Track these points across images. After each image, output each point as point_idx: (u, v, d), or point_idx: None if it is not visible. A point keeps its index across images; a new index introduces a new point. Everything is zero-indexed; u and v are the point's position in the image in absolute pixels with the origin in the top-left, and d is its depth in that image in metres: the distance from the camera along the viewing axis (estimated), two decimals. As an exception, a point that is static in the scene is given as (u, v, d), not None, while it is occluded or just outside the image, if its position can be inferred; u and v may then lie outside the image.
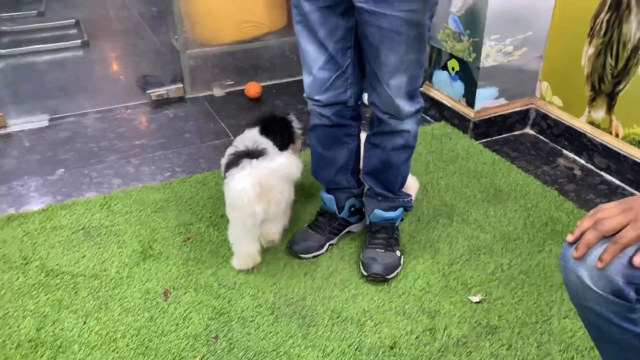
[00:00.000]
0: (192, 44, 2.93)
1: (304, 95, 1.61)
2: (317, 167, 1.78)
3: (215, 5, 2.88)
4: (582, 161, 2.31)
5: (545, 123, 2.48)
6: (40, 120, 2.70)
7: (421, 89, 1.78)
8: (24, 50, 3.63)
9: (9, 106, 2.83)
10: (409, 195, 1.77)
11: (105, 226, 1.93)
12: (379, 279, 1.64)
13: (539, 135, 2.53)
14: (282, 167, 1.58)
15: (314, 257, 1.77)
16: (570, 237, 0.88)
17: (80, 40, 3.80)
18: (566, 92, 2.37)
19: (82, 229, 1.91)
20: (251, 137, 1.76)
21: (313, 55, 1.49)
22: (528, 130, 2.57)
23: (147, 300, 1.62)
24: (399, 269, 1.69)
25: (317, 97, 1.57)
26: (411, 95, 1.48)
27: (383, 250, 1.68)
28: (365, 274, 1.66)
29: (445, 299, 1.61)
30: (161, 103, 2.90)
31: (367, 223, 1.77)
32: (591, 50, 2.18)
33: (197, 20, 2.94)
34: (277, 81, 3.17)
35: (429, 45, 1.45)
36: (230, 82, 3.06)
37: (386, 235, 1.72)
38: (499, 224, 1.93)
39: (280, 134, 1.82)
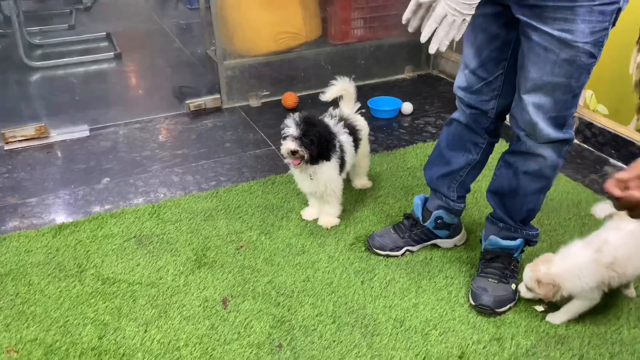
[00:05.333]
0: (229, 55, 2.95)
1: (454, 87, 1.59)
2: (431, 161, 1.74)
3: (253, 17, 2.90)
4: (631, 170, 2.28)
5: (589, 131, 2.46)
6: (81, 131, 2.72)
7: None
8: (58, 62, 3.68)
9: (50, 117, 2.86)
10: (536, 229, 1.64)
11: (157, 234, 1.92)
12: (487, 311, 1.55)
13: (583, 144, 2.50)
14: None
15: (387, 255, 1.77)
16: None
17: (113, 53, 3.84)
18: (612, 100, 2.35)
19: (134, 237, 1.91)
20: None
21: (468, 58, 1.49)
22: (571, 139, 2.54)
23: (206, 308, 1.60)
24: (513, 303, 1.58)
25: (460, 95, 1.56)
26: (557, 122, 1.38)
27: (496, 281, 1.59)
28: (472, 303, 1.58)
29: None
30: (199, 113, 2.92)
31: (482, 249, 1.69)
32: (639, 58, 2.17)
33: (234, 32, 2.96)
34: (313, 91, 3.18)
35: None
36: (266, 93, 3.08)
37: (501, 265, 1.62)
38: (554, 232, 1.90)
39: None
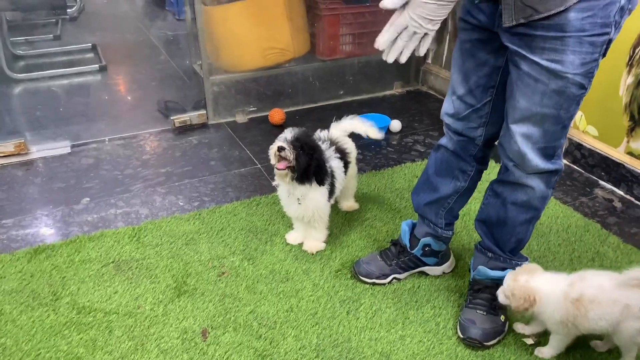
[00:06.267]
0: (216, 70, 2.90)
1: (441, 113, 1.55)
2: (419, 187, 1.70)
3: (240, 32, 2.86)
4: (621, 192, 2.26)
5: (579, 152, 2.44)
6: (62, 147, 2.65)
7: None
8: (41, 74, 3.61)
9: (30, 132, 2.79)
10: (525, 259, 1.59)
11: (136, 259, 1.86)
12: (475, 344, 1.50)
13: (572, 165, 2.47)
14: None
15: (373, 283, 1.73)
16: None
17: (98, 65, 3.78)
18: (602, 121, 2.32)
19: (112, 262, 1.85)
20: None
21: (456, 84, 1.46)
22: (561, 160, 2.52)
23: (185, 340, 1.54)
24: (502, 335, 1.54)
25: (447, 122, 1.52)
26: (546, 153, 1.34)
27: (484, 313, 1.55)
28: (461, 336, 1.54)
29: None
30: (184, 129, 2.86)
31: (471, 279, 1.65)
32: (630, 80, 2.15)
33: (221, 47, 2.91)
34: (300, 107, 3.14)
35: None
36: (253, 109, 3.03)
37: (490, 296, 1.57)
38: (543, 259, 1.86)
39: None
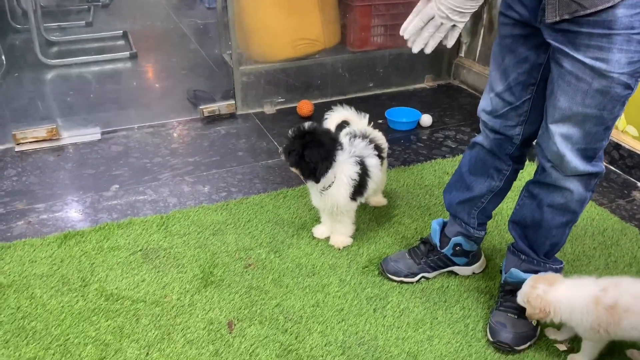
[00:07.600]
0: (245, 60, 2.89)
1: (478, 110, 1.51)
2: (451, 185, 1.66)
3: (271, 23, 2.84)
4: (661, 196, 2.18)
5: (617, 153, 2.35)
6: (92, 133, 2.68)
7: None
8: (73, 60, 3.65)
9: (62, 118, 2.82)
10: (560, 263, 1.54)
11: (164, 248, 1.87)
12: (505, 348, 1.46)
13: (609, 166, 2.39)
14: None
15: (401, 282, 1.70)
16: None
17: (128, 52, 3.81)
18: (643, 121, 2.24)
19: (140, 250, 1.86)
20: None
21: (494, 80, 1.41)
22: (597, 160, 2.44)
23: (210, 331, 1.54)
24: (533, 340, 1.50)
25: (484, 119, 1.48)
26: (586, 155, 1.29)
27: (516, 317, 1.50)
28: (491, 340, 1.49)
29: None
30: (212, 119, 2.86)
31: (502, 281, 1.60)
32: (675, 79, 2.05)
33: (251, 37, 2.89)
34: (329, 99, 3.11)
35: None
36: (281, 100, 3.01)
37: None
38: (577, 262, 1.81)
39: None
